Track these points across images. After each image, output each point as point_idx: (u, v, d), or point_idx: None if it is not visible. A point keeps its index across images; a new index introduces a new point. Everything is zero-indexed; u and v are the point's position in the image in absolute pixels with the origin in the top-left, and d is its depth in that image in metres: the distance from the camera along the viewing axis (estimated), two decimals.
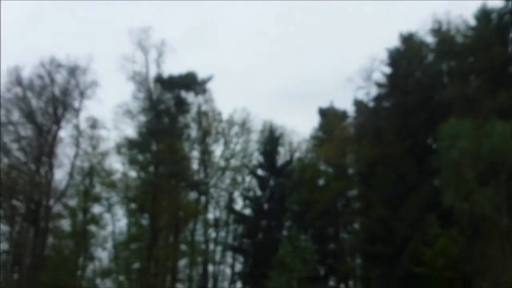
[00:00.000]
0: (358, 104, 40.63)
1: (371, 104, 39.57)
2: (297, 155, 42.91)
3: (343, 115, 41.81)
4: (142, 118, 40.59)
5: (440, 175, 32.39)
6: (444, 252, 28.84)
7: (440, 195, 29.92)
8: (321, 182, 40.77)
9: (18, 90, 38.93)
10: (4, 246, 38.98)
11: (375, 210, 34.57)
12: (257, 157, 42.08)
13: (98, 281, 40.87)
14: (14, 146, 39.38)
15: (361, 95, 39.46)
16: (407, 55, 37.42)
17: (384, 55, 38.01)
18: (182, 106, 41.20)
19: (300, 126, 72.81)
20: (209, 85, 42.19)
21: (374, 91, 39.08)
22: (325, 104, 43.42)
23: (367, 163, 36.66)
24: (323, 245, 37.98)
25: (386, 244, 33.31)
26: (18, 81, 38.87)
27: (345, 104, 43.50)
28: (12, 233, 38.82)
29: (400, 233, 32.99)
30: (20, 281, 37.27)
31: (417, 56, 37.36)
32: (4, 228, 39.25)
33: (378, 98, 39.21)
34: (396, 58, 37.89)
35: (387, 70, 38.54)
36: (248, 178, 42.84)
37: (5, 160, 38.85)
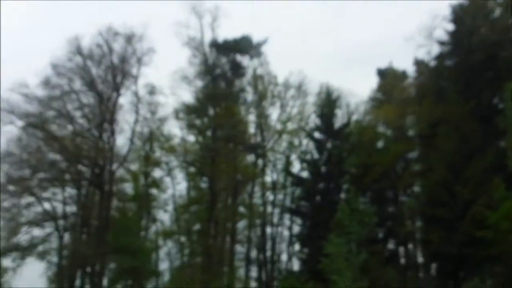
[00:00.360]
0: (419, 63, 39.22)
1: (432, 63, 38.11)
2: (354, 117, 42.15)
3: (403, 75, 40.44)
4: (199, 83, 40.92)
5: (506, 136, 31.09)
6: (509, 216, 27.92)
7: (506, 157, 28.78)
8: (379, 144, 40.05)
9: (78, 59, 39.78)
10: (72, 208, 40.97)
11: (437, 173, 33.66)
12: (314, 120, 41.63)
13: (160, 242, 42.42)
14: (77, 114, 40.60)
15: (422, 54, 38.06)
16: (471, 11, 35.60)
17: (446, 11, 36.33)
18: (237, 70, 41.20)
19: (357, 87, 71.48)
20: (264, 48, 41.98)
21: (435, 49, 37.58)
22: (383, 65, 42.29)
23: (428, 124, 35.66)
24: (382, 208, 37.51)
25: (447, 207, 32.57)
26: (78, 51, 39.71)
27: (405, 64, 42.22)
28: (79, 197, 40.55)
29: (462, 196, 32.15)
30: (88, 241, 38.98)
31: (482, 11, 35.44)
32: (71, 191, 41.19)
33: (440, 57, 37.67)
34: (460, 14, 36.12)
35: (450, 27, 36.86)
36: (305, 141, 42.61)
37: (70, 127, 40.34)
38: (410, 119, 39.06)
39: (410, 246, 38.46)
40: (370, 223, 34.09)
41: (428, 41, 37.16)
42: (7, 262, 37.75)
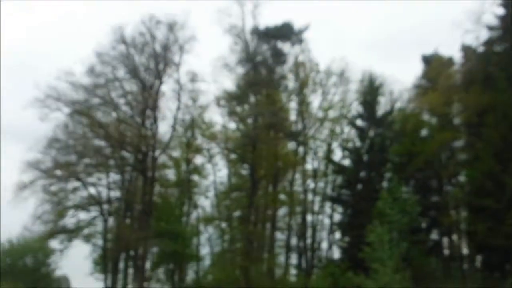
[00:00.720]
0: (466, 49, 37.77)
1: (480, 49, 36.70)
2: (398, 104, 41.06)
3: (449, 61, 39.10)
4: (240, 71, 40.78)
5: None
6: None
7: None
8: (424, 132, 38.90)
9: (122, 47, 40.21)
10: (116, 193, 41.82)
11: (483, 162, 32.41)
12: (356, 107, 40.85)
13: (201, 227, 42.87)
14: (121, 101, 41.20)
15: (470, 40, 36.67)
16: None
17: None
18: (279, 57, 40.83)
19: (401, 75, 69.92)
20: (306, 35, 41.40)
21: (484, 35, 36.15)
22: (428, 51, 41.05)
23: (475, 112, 34.32)
24: (426, 197, 36.66)
25: (494, 197, 31.39)
26: (122, 39, 40.10)
27: (451, 51, 40.66)
28: (123, 182, 41.34)
29: (510, 186, 30.95)
30: (132, 225, 39.77)
31: None
32: (116, 177, 42.03)
33: (488, 42, 36.14)
34: None
35: (500, 11, 35.34)
36: (347, 129, 42.02)
37: (114, 114, 41.05)
38: (456, 107, 37.76)
39: (454, 237, 37.35)
40: (412, 212, 33.52)
41: (476, 26, 35.77)
42: (54, 243, 39.12)
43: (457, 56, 39.20)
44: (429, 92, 38.19)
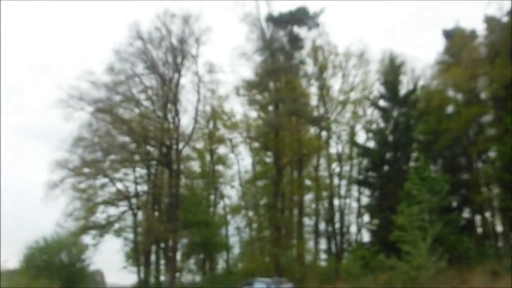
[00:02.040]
0: (489, 20, 35.11)
1: (504, 19, 33.98)
2: (421, 82, 38.58)
3: (472, 34, 36.39)
4: (258, 59, 38.92)
5: None
6: None
7: None
8: (449, 109, 36.44)
9: (139, 43, 39.19)
10: (143, 187, 40.96)
11: None
12: (378, 88, 38.43)
13: (229, 217, 41.61)
14: (142, 97, 40.36)
15: (492, 11, 34.05)
16: None
17: None
18: (296, 42, 38.76)
19: (422, 52, 67.10)
20: (322, 18, 39.20)
21: (507, 4, 33.44)
22: (449, 26, 38.42)
23: (502, 85, 31.89)
24: (455, 175, 34.39)
25: None
26: (138, 35, 39.07)
27: (473, 23, 38.08)
28: (149, 176, 40.38)
29: None
30: (160, 218, 38.85)
31: None
32: (142, 171, 41.13)
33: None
34: None
35: None
36: (369, 110, 39.71)
37: (136, 110, 40.06)
38: (482, 81, 35.14)
39: (487, 214, 35.04)
40: (442, 191, 31.45)
41: None
42: (87, 239, 38.50)
43: (480, 28, 36.67)
44: (452, 68, 35.62)
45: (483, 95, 35.69)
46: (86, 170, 38.81)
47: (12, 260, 37.03)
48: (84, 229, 38.25)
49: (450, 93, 36.60)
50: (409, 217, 29.64)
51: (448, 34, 38.29)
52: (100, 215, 39.39)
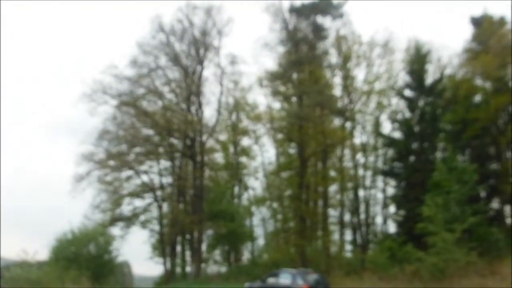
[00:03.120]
0: None
1: None
2: (448, 71, 37.24)
3: (501, 21, 34.98)
4: (281, 49, 38.15)
5: None
6: None
7: None
8: (477, 98, 35.26)
9: (162, 36, 38.83)
10: (168, 179, 40.77)
11: None
12: (403, 78, 37.24)
13: (253, 208, 41.10)
14: (165, 89, 40.02)
15: None
16: None
17: None
18: (319, 32, 37.79)
19: (449, 40, 65.43)
20: (346, 8, 38.17)
21: None
22: (477, 13, 37.02)
23: None
24: (484, 166, 33.29)
25: None
26: (161, 28, 38.70)
27: (501, 10, 36.61)
28: (174, 168, 40.12)
29: None
30: (185, 209, 38.64)
31: None
32: (166, 163, 40.87)
33: None
34: None
35: None
36: (394, 100, 38.44)
37: (159, 103, 39.72)
38: (511, 69, 33.86)
39: None
40: (470, 182, 30.40)
41: None
42: (115, 231, 38.50)
43: (509, 15, 35.26)
44: (481, 56, 34.38)
45: None
46: (111, 162, 38.77)
47: (42, 252, 37.35)
48: (111, 221, 38.29)
49: (478, 81, 35.39)
50: (437, 208, 28.77)
51: (476, 22, 36.95)
52: (126, 207, 39.51)
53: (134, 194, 39.28)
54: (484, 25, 35.15)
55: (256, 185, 41.83)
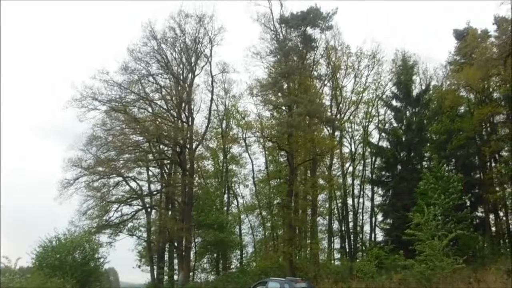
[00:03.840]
0: (500, 21, 34.82)
1: None
2: (433, 82, 38.28)
3: (484, 34, 36.06)
4: (271, 59, 38.59)
5: None
6: None
7: None
8: (462, 109, 36.19)
9: (153, 43, 38.62)
10: (157, 186, 40.53)
11: None
12: (391, 88, 38.18)
13: (242, 216, 41.05)
14: (156, 96, 39.84)
15: (504, 11, 33.70)
16: None
17: None
18: (309, 43, 38.39)
19: (434, 52, 67.11)
20: (335, 19, 38.85)
21: None
22: (460, 26, 38.11)
23: None
24: (468, 175, 34.07)
25: None
26: (153, 35, 38.46)
27: (483, 24, 37.82)
28: (163, 175, 39.92)
29: None
30: (174, 217, 38.31)
31: None
32: (155, 170, 40.67)
33: None
34: None
35: None
36: (382, 110, 39.29)
37: (150, 110, 39.57)
38: (494, 81, 34.88)
39: (501, 213, 34.67)
40: (456, 191, 31.04)
41: None
42: (102, 238, 38.12)
43: (491, 29, 36.39)
44: (465, 68, 35.41)
45: (496, 95, 35.46)
46: (99, 168, 38.30)
47: (25, 259, 36.71)
48: (98, 228, 37.76)
49: (463, 92, 36.32)
50: (425, 217, 29.23)
51: (459, 35, 38.01)
52: (114, 214, 39.00)
53: (122, 201, 38.81)
54: (468, 38, 36.19)
55: (245, 192, 42.09)
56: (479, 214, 35.15)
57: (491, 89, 35.50)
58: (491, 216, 34.70)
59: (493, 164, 35.26)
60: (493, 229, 34.59)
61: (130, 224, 39.25)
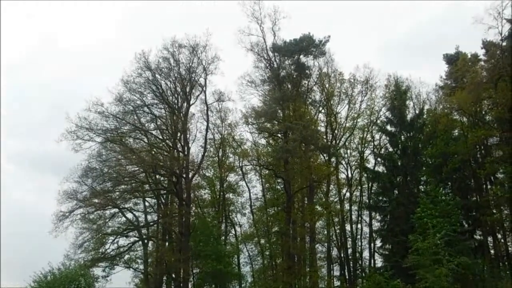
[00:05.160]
0: (489, 45, 36.00)
1: (504, 44, 34.73)
2: (427, 107, 39.22)
3: (474, 58, 37.22)
4: (266, 87, 39.42)
5: None
6: None
7: None
8: (456, 132, 37.03)
9: (148, 74, 39.17)
10: (153, 217, 40.55)
11: None
12: (385, 113, 39.05)
13: (240, 246, 41.14)
14: (151, 126, 40.24)
15: (492, 36, 34.80)
16: None
17: None
18: (302, 70, 39.35)
19: (425, 76, 68.75)
20: (328, 45, 39.83)
21: (506, 29, 34.16)
22: (449, 51, 39.34)
23: (506, 107, 32.64)
24: (465, 198, 34.65)
25: None
26: (147, 66, 38.99)
27: (472, 48, 38.96)
28: (159, 205, 40.07)
29: None
30: (171, 248, 38.32)
31: None
32: (151, 201, 40.82)
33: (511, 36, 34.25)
34: None
35: None
36: (377, 135, 40.01)
37: (145, 140, 39.98)
38: (486, 104, 35.86)
39: (499, 235, 35.11)
40: (453, 215, 31.55)
41: (497, 22, 33.86)
42: (97, 271, 37.82)
43: (480, 52, 37.56)
44: (457, 91, 36.39)
45: (488, 118, 36.37)
46: (95, 200, 38.29)
47: None
48: (94, 261, 37.45)
49: (456, 116, 37.22)
50: (425, 242, 29.55)
51: (450, 59, 39.15)
52: (110, 246, 38.89)
53: (118, 233, 38.74)
54: (459, 63, 37.28)
55: (243, 221, 42.25)
56: (477, 237, 35.58)
57: (483, 112, 36.41)
58: (489, 239, 35.15)
59: (489, 186, 35.88)
60: (492, 251, 35.01)
61: (126, 256, 38.98)
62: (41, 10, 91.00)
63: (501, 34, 33.70)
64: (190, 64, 39.37)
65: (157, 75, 39.34)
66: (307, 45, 39.65)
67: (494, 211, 34.25)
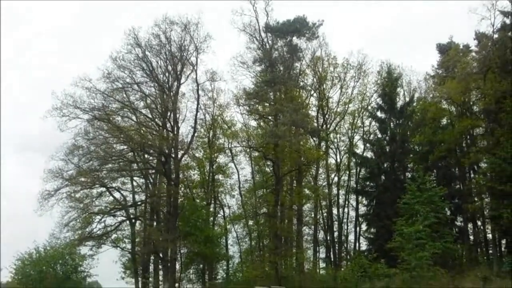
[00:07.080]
0: (481, 36, 40.17)
1: (496, 36, 38.90)
2: (417, 95, 43.72)
3: (466, 49, 41.59)
4: (258, 68, 42.81)
5: None
6: None
7: None
8: (444, 121, 41.57)
9: (138, 51, 40.60)
10: (141, 197, 43.64)
11: (504, 148, 34.70)
12: (376, 99, 43.34)
13: (228, 226, 44.94)
14: (140, 105, 42.06)
15: (484, 27, 38.89)
16: None
17: None
18: (295, 53, 42.86)
19: (417, 64, 73.00)
20: (322, 29, 43.26)
21: (498, 20, 38.25)
22: (442, 40, 43.57)
23: (494, 98, 36.55)
24: (449, 186, 39.34)
25: None
26: (137, 43, 40.46)
27: (464, 39, 43.36)
28: (147, 185, 43.22)
29: None
30: (159, 228, 41.23)
31: None
32: (140, 180, 43.84)
33: (503, 28, 38.37)
34: None
35: None
36: (367, 121, 44.44)
37: (134, 118, 42.31)
38: (474, 94, 40.30)
39: (479, 223, 40.25)
40: (437, 201, 35.84)
41: (490, 14, 37.82)
42: (85, 250, 41.09)
43: (472, 44, 41.73)
44: (447, 81, 40.68)
45: (476, 108, 40.96)
46: (82, 179, 40.83)
47: (4, 273, 39.69)
48: (81, 240, 39.79)
49: (445, 105, 41.73)
50: (410, 228, 34.03)
51: (442, 48, 43.40)
52: (97, 225, 41.40)
53: (106, 212, 40.97)
54: (450, 53, 41.57)
55: (232, 203, 45.92)
56: (458, 223, 40.67)
57: (471, 103, 40.94)
58: (470, 226, 40.32)
59: (472, 175, 40.78)
60: (471, 237, 40.20)
61: (114, 236, 41.91)
62: None
63: (493, 25, 38.07)
64: (182, 42, 41.18)
65: (147, 52, 41.19)
66: (300, 26, 43.18)
67: (476, 199, 39.15)
